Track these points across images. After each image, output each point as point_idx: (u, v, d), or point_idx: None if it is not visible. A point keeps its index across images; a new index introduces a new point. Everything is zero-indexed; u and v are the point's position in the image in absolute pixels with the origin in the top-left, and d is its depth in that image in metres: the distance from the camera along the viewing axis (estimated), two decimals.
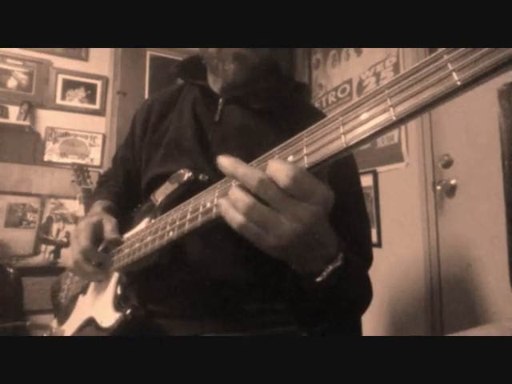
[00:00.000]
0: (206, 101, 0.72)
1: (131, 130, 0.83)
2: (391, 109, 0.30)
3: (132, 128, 0.83)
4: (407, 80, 0.30)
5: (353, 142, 0.32)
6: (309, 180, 0.34)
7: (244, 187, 0.36)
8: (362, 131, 0.32)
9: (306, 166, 0.35)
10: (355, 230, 0.60)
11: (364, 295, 0.56)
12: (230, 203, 0.37)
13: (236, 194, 0.36)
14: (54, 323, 0.79)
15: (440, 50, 0.28)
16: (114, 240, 0.64)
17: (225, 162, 0.37)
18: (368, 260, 0.62)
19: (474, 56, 0.26)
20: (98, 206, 0.75)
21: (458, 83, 0.26)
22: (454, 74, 0.27)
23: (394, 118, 0.29)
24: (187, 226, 0.46)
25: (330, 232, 0.40)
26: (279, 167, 0.34)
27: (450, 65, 0.27)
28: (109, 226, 0.65)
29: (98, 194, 0.82)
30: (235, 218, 0.36)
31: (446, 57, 0.28)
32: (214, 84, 0.72)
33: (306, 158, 0.35)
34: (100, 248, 0.66)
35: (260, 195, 0.35)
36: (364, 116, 0.32)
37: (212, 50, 0.65)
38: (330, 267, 0.41)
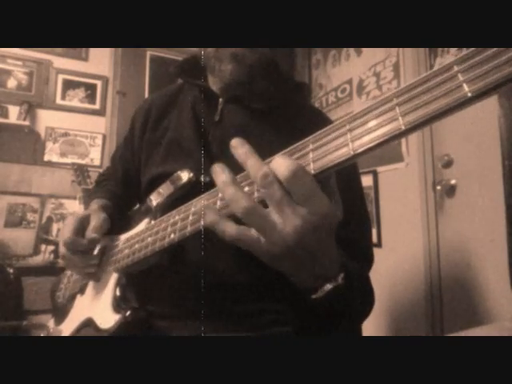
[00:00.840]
0: (206, 100, 0.72)
1: (130, 130, 0.83)
2: (400, 118, 0.30)
3: (131, 127, 0.83)
4: (416, 90, 0.30)
5: (360, 150, 0.32)
6: (309, 181, 0.34)
7: (240, 190, 0.36)
8: (369, 139, 0.31)
9: (312, 171, 0.34)
10: (356, 232, 0.60)
11: (365, 306, 0.56)
12: (218, 214, 0.37)
13: (232, 195, 0.36)
14: (51, 323, 0.79)
15: (441, 51, 0.28)
16: (93, 240, 0.63)
17: (239, 148, 0.37)
18: (369, 261, 0.62)
19: (485, 68, 0.25)
20: (94, 205, 0.75)
21: (469, 94, 0.26)
22: (465, 86, 0.26)
23: (403, 128, 0.29)
24: (189, 229, 0.46)
25: (330, 251, 0.39)
26: (283, 161, 0.34)
27: (460, 75, 0.27)
28: (92, 223, 0.64)
29: (96, 193, 0.82)
30: (228, 230, 0.36)
31: (456, 68, 0.27)
32: (214, 84, 0.72)
33: (312, 163, 0.35)
34: (96, 250, 0.66)
35: (261, 189, 0.35)
36: (372, 123, 0.32)
37: (210, 50, 0.65)
38: (329, 286, 0.40)
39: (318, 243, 0.36)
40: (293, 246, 0.35)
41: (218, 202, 0.42)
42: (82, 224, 0.64)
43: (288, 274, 0.41)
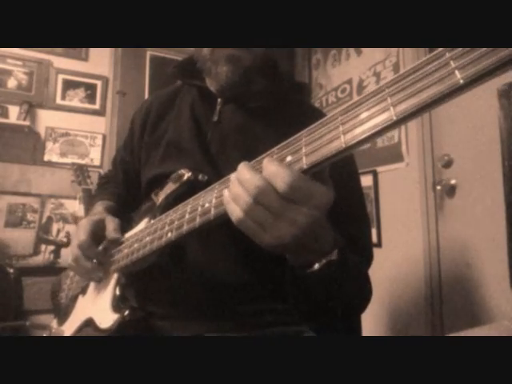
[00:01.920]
0: (205, 101, 0.72)
1: (130, 131, 0.83)
2: (391, 108, 0.29)
3: (131, 129, 0.83)
4: (408, 79, 0.29)
5: (352, 142, 0.31)
6: (307, 185, 0.34)
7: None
8: (361, 131, 0.31)
9: (305, 166, 0.34)
10: (355, 230, 0.60)
11: (362, 292, 0.56)
12: (231, 196, 0.37)
13: (236, 189, 0.36)
14: (54, 323, 0.79)
15: (440, 48, 0.28)
16: (116, 240, 0.64)
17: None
18: (368, 260, 0.62)
19: (477, 54, 0.25)
20: (99, 206, 0.75)
21: (461, 81, 0.26)
22: (457, 72, 0.26)
23: (395, 118, 0.29)
24: (185, 227, 0.46)
25: (327, 229, 0.40)
26: (276, 171, 0.34)
27: (452, 62, 0.26)
28: (111, 226, 0.65)
29: (99, 195, 0.82)
30: (235, 211, 0.37)
31: (448, 54, 0.27)
32: (212, 84, 0.72)
33: (304, 158, 0.34)
34: (100, 247, 0.66)
35: (258, 201, 0.35)
36: (364, 115, 0.31)
37: (205, 52, 0.65)
38: (324, 260, 0.41)
39: (318, 227, 0.37)
40: (299, 237, 0.36)
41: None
42: (96, 228, 0.65)
43: (288, 256, 0.42)
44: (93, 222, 0.65)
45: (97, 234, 0.65)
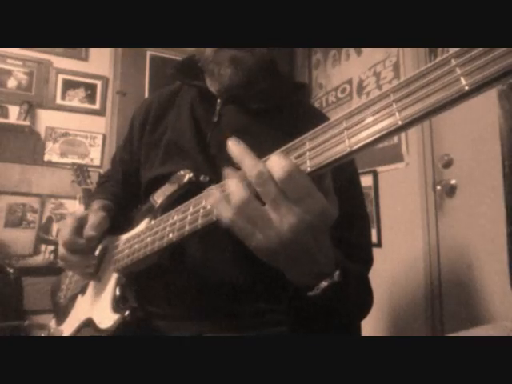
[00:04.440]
0: (204, 101, 0.72)
1: (129, 131, 0.83)
2: (397, 113, 0.29)
3: (130, 128, 0.83)
4: (413, 84, 0.29)
5: (357, 146, 0.31)
6: (305, 181, 0.34)
7: (241, 182, 0.36)
8: (366, 135, 0.31)
9: (309, 169, 0.34)
10: (356, 234, 0.60)
11: (364, 302, 0.56)
12: (222, 195, 0.37)
13: (233, 186, 0.36)
14: (53, 323, 0.79)
15: (441, 51, 0.28)
16: (90, 237, 0.62)
17: (234, 148, 0.37)
18: (368, 262, 0.62)
19: (483, 61, 0.25)
20: (94, 205, 0.75)
21: (466, 88, 0.26)
22: (462, 79, 0.26)
23: (400, 123, 0.29)
24: (187, 228, 0.46)
25: (326, 248, 0.39)
26: (278, 160, 0.34)
27: (458, 69, 0.27)
28: (89, 222, 0.64)
29: (97, 194, 0.82)
30: (225, 211, 0.36)
31: (454, 61, 0.27)
32: (212, 85, 0.72)
33: (308, 161, 0.35)
34: (97, 251, 0.66)
35: (256, 187, 0.35)
36: (369, 119, 0.31)
37: (208, 53, 0.65)
38: (324, 283, 0.40)
39: (313, 240, 0.36)
40: (288, 243, 0.35)
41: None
42: (81, 224, 0.64)
43: (284, 270, 0.41)
44: (75, 220, 0.64)
45: (81, 229, 0.64)
